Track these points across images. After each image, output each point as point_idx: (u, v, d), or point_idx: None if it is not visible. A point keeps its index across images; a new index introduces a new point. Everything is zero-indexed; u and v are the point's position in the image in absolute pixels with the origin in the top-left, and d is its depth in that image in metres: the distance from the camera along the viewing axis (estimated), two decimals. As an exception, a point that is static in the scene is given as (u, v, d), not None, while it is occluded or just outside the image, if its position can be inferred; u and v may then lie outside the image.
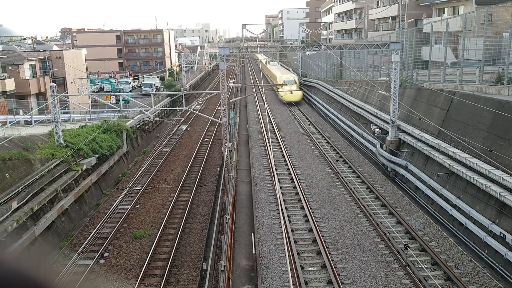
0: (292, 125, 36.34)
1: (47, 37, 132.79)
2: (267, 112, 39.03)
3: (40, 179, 22.99)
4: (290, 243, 15.42)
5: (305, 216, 18.05)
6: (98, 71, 71.77)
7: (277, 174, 23.06)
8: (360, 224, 17.20)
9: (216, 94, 29.30)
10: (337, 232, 16.57)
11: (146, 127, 43.98)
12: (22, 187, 21.29)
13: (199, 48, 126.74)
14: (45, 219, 21.52)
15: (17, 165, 22.02)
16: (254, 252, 14.32)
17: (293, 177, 22.80)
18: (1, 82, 39.65)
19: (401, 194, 21.18)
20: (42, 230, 20.95)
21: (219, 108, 41.64)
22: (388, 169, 25.69)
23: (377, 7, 59.97)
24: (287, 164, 25.26)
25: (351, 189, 20.96)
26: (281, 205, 15.95)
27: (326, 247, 15.13)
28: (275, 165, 24.14)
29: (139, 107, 37.06)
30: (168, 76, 76.92)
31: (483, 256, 15.70)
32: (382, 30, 56.24)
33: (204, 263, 18.58)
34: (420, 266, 13.85)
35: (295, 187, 21.59)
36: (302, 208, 18.92)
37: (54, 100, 26.71)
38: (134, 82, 68.78)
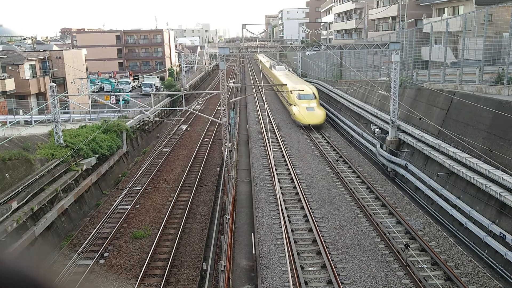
0: (291, 124, 36.35)
1: (47, 37, 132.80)
2: (267, 112, 39.04)
3: (40, 179, 22.99)
4: (290, 243, 15.42)
5: (305, 216, 18.05)
6: (98, 71, 71.78)
7: (277, 174, 23.06)
8: (360, 224, 17.20)
9: (216, 94, 29.30)
10: (337, 232, 16.57)
11: (146, 127, 43.98)
12: (22, 187, 21.29)
13: (199, 48, 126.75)
14: (45, 219, 21.52)
15: (17, 165, 22.02)
16: (254, 252, 14.32)
17: (293, 177, 22.80)
18: (1, 82, 39.65)
19: (401, 194, 21.18)
20: (42, 230, 20.95)
21: (219, 108, 41.64)
22: (388, 169, 25.69)
23: (377, 7, 59.97)
24: (287, 164, 25.26)
25: (351, 189, 20.96)
26: (281, 205, 15.95)
27: (326, 247, 15.13)
28: (275, 165, 24.14)
29: (139, 107, 37.06)
30: (168, 76, 76.93)
31: (483, 256, 15.71)
32: (382, 30, 56.24)
33: (204, 263, 18.58)
34: (420, 266, 13.85)
35: (295, 187, 21.59)
36: (302, 208, 18.92)
37: (54, 100, 26.71)
38: (134, 82, 68.78)
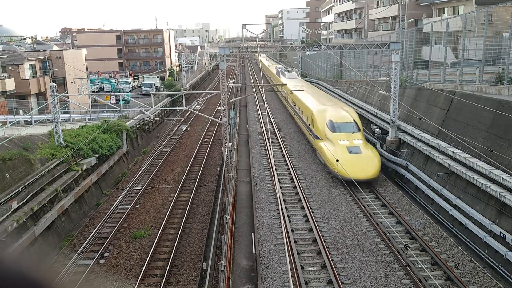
0: (292, 125, 36.33)
1: (47, 37, 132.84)
2: (267, 112, 39.03)
3: (40, 179, 22.99)
4: (290, 243, 15.42)
5: (305, 216, 18.05)
6: (98, 71, 71.77)
7: (277, 174, 23.05)
8: (360, 224, 17.19)
9: (216, 94, 29.29)
10: (337, 232, 16.57)
11: (146, 127, 43.98)
12: (22, 187, 21.29)
13: (199, 48, 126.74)
14: (45, 219, 21.52)
15: (17, 165, 22.02)
16: (254, 252, 14.31)
17: (293, 177, 22.79)
18: (1, 82, 39.65)
19: (401, 194, 21.17)
20: (42, 230, 20.95)
21: (219, 108, 41.65)
22: (388, 169, 25.69)
23: (377, 7, 59.97)
24: (287, 164, 25.26)
25: (351, 189, 20.95)
26: (281, 205, 15.94)
27: (326, 247, 15.12)
28: (275, 165, 24.14)
29: (139, 107, 37.06)
30: (168, 76, 76.93)
31: (483, 256, 15.70)
32: (382, 30, 56.23)
33: (204, 263, 18.58)
34: (420, 266, 13.84)
35: (295, 187, 21.58)
36: (302, 208, 18.91)
37: (54, 100, 26.71)
38: (134, 82, 68.78)
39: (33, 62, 45.69)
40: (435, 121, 23.20)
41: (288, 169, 24.42)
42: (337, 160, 21.00)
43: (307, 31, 76.74)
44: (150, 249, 19.72)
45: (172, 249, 19.68)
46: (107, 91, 56.05)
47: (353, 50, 29.87)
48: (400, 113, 27.35)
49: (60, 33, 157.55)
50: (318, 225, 16.95)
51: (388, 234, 16.14)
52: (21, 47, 64.22)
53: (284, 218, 17.12)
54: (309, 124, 27.63)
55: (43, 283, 1.10)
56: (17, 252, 18.27)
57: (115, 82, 62.19)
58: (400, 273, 13.72)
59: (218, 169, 31.61)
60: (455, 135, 20.14)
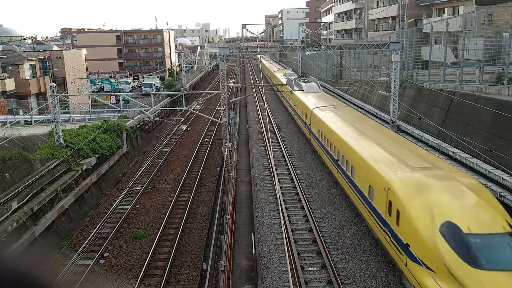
0: (292, 125, 36.32)
1: (47, 37, 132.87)
2: (267, 112, 39.02)
3: (40, 179, 22.99)
4: (290, 243, 15.42)
5: (305, 216, 18.04)
6: (98, 71, 71.77)
7: (277, 174, 23.05)
8: (360, 224, 17.18)
9: (216, 94, 29.29)
10: (337, 232, 16.56)
11: (146, 127, 43.98)
12: (22, 187, 21.29)
13: (199, 48, 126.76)
14: (45, 219, 21.53)
15: (17, 165, 22.02)
16: (254, 252, 14.31)
17: (293, 177, 22.79)
18: (1, 82, 39.65)
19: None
20: (42, 230, 20.96)
21: (219, 108, 41.64)
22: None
23: (377, 7, 59.97)
24: (287, 164, 25.25)
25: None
26: (281, 205, 15.93)
27: (326, 247, 15.12)
28: (275, 165, 24.13)
29: (139, 107, 37.05)
30: (168, 76, 76.93)
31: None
32: (382, 30, 56.23)
33: (204, 263, 18.59)
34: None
35: (295, 187, 21.58)
36: (302, 208, 18.91)
37: (54, 100, 26.71)
38: (134, 82, 68.78)
39: (33, 62, 45.69)
40: (435, 121, 23.20)
41: (288, 169, 24.42)
42: None
43: (307, 31, 76.80)
44: (150, 249, 19.72)
45: (172, 249, 19.68)
46: (107, 91, 56.06)
47: (353, 50, 29.88)
48: (400, 113, 27.35)
49: (60, 33, 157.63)
50: (318, 225, 16.95)
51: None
52: (21, 47, 64.23)
53: (284, 218, 17.11)
54: (383, 211, 13.09)
55: (43, 283, 1.10)
56: (17, 252, 18.26)
57: (115, 82, 62.18)
58: (400, 273, 13.70)
59: (218, 169, 31.61)
60: (455, 135, 20.13)
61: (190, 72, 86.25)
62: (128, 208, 24.80)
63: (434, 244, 10.13)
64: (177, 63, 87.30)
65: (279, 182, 22.11)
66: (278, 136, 31.99)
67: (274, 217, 18.00)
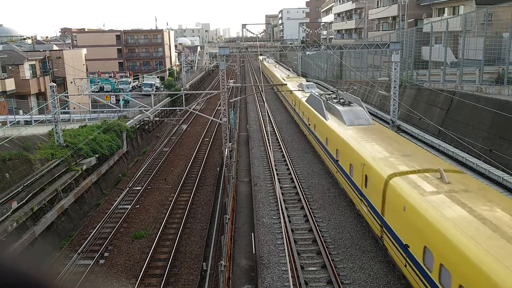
0: (292, 125, 36.32)
1: (47, 37, 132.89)
2: (267, 112, 39.02)
3: (40, 179, 22.99)
4: (290, 243, 15.41)
5: (305, 216, 18.04)
6: (98, 71, 71.78)
7: (277, 174, 23.05)
8: (360, 224, 17.18)
9: (216, 94, 29.29)
10: (337, 232, 16.56)
11: (146, 127, 43.98)
12: (22, 187, 21.29)
13: (199, 48, 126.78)
14: (45, 219, 21.53)
15: (17, 165, 22.02)
16: (254, 252, 14.31)
17: (293, 177, 22.79)
18: (1, 82, 39.66)
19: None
20: (42, 230, 20.96)
21: (219, 108, 41.64)
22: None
23: (377, 7, 59.98)
24: (287, 164, 25.25)
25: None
26: (281, 205, 15.92)
27: (326, 247, 15.12)
28: (275, 165, 24.13)
29: (139, 107, 37.06)
30: (168, 76, 76.94)
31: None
32: (382, 30, 56.24)
33: (204, 263, 18.59)
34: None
35: (295, 187, 21.58)
36: (302, 208, 18.91)
37: (54, 100, 26.71)
38: (134, 82, 68.79)
39: (33, 62, 45.69)
40: (435, 121, 23.20)
41: (288, 169, 24.42)
42: None
43: (307, 31, 76.82)
44: (150, 249, 19.72)
45: (172, 249, 19.69)
46: (107, 91, 56.07)
47: (353, 50, 29.89)
48: (400, 113, 27.35)
49: (60, 33, 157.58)
50: (318, 225, 16.94)
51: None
52: (21, 47, 64.24)
53: (284, 218, 17.11)
54: None
55: (43, 283, 1.10)
56: (17, 252, 18.26)
57: (115, 82, 62.19)
58: (400, 273, 13.70)
59: (218, 169, 31.61)
60: (455, 135, 20.13)
61: (190, 72, 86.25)
62: (128, 208, 24.80)
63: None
64: (177, 63, 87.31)
65: (279, 182, 22.11)
66: (278, 136, 31.99)
67: (274, 217, 18.00)
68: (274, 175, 22.19)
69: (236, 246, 15.79)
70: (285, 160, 25.99)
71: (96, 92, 50.33)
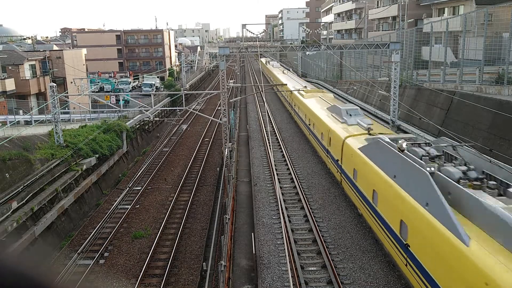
0: (292, 125, 36.32)
1: (47, 37, 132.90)
2: (267, 112, 39.02)
3: (40, 179, 22.99)
4: (290, 243, 15.41)
5: (305, 216, 18.04)
6: (98, 71, 71.79)
7: (277, 174, 23.05)
8: (360, 224, 17.18)
9: (216, 94, 29.30)
10: (337, 232, 16.56)
11: (146, 127, 43.98)
12: (22, 187, 21.29)
13: (199, 48, 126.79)
14: (45, 219, 21.53)
15: (17, 165, 22.02)
16: (254, 252, 14.31)
17: (293, 177, 22.79)
18: (1, 82, 39.66)
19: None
20: (42, 230, 20.96)
21: (219, 108, 41.65)
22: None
23: (377, 7, 59.99)
24: (287, 164, 25.25)
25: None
26: (281, 205, 15.93)
27: (326, 247, 15.12)
28: (275, 165, 24.13)
29: (139, 107, 37.07)
30: (168, 76, 76.94)
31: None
32: (382, 30, 56.25)
33: (204, 263, 18.59)
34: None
35: (295, 187, 21.58)
36: (302, 208, 18.91)
37: (54, 100, 26.71)
38: (134, 82, 68.80)
39: (33, 62, 45.69)
40: (435, 121, 23.20)
41: (288, 169, 24.41)
42: None
43: (307, 31, 76.84)
44: (150, 249, 19.72)
45: (172, 249, 19.69)
46: (107, 91, 56.07)
47: (353, 50, 29.88)
48: (400, 113, 27.35)
49: (60, 33, 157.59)
50: (318, 225, 16.94)
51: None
52: (21, 47, 64.24)
53: (284, 218, 17.11)
54: None
55: (43, 283, 1.10)
56: (17, 252, 18.26)
57: (115, 82, 62.20)
58: (400, 273, 13.70)
59: (218, 169, 31.61)
60: (455, 135, 20.14)
61: (190, 72, 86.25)
62: (128, 208, 24.80)
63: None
64: (177, 63, 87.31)
65: (279, 182, 22.11)
66: (278, 136, 31.99)
67: (274, 217, 18.00)
68: (274, 175, 22.19)
69: (236, 246, 15.79)
70: (285, 160, 25.99)
71: (96, 92, 50.34)
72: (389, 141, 14.37)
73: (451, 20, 28.11)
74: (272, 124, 36.41)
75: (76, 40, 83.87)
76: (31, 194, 21.72)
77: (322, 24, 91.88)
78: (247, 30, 36.63)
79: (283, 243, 13.63)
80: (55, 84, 28.15)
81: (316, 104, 27.26)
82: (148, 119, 39.73)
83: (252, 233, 15.89)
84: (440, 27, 29.69)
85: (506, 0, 21.55)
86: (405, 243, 11.53)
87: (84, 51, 57.86)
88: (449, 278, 9.27)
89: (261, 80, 60.28)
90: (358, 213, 16.99)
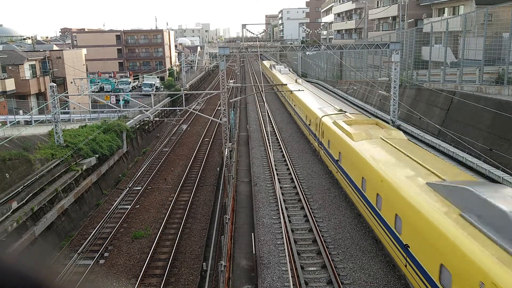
0: (292, 125, 36.32)
1: (47, 37, 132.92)
2: (267, 112, 39.00)
3: (40, 179, 22.99)
4: (290, 243, 15.41)
5: (305, 216, 18.04)
6: (98, 71, 71.78)
7: (277, 174, 23.05)
8: (360, 224, 17.18)
9: (216, 94, 29.29)
10: (337, 232, 16.56)
11: (146, 127, 43.98)
12: (22, 187, 21.28)
13: (199, 48, 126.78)
14: (45, 219, 21.52)
15: (17, 165, 22.02)
16: (254, 252, 14.31)
17: (293, 177, 22.79)
18: (1, 82, 39.65)
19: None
20: (42, 230, 20.95)
21: (219, 108, 41.64)
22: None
23: (377, 7, 59.99)
24: (287, 164, 25.25)
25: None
26: (281, 205, 15.93)
27: (326, 247, 15.11)
28: (275, 165, 24.13)
29: (139, 107, 37.07)
30: (168, 76, 76.94)
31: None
32: (382, 30, 56.24)
33: (204, 263, 18.59)
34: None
35: (295, 187, 21.58)
36: (302, 208, 18.91)
37: (54, 100, 26.71)
38: (134, 82, 68.80)
39: (33, 62, 45.69)
40: (435, 121, 23.20)
41: (288, 169, 24.41)
42: None
43: (307, 31, 76.82)
44: (150, 249, 19.72)
45: (172, 249, 19.68)
46: (107, 91, 56.08)
47: (353, 50, 29.89)
48: (400, 113, 27.35)
49: (60, 33, 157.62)
50: (318, 225, 16.94)
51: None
52: (21, 47, 64.22)
53: (284, 218, 17.11)
54: None
55: (43, 283, 1.10)
56: (17, 252, 18.26)
57: (115, 82, 62.20)
58: (400, 273, 13.69)
59: (218, 169, 31.60)
60: (455, 135, 20.13)
61: (190, 72, 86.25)
62: (128, 208, 24.80)
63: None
64: (177, 63, 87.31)
65: (279, 182, 22.11)
66: (278, 136, 31.98)
67: (274, 217, 18.00)
68: (274, 175, 22.19)
69: (236, 246, 15.79)
70: (285, 160, 25.99)
71: (96, 92, 50.33)
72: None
73: (451, 20, 28.11)
74: (272, 124, 36.40)
75: (76, 40, 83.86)
76: (31, 194, 21.72)
77: (322, 24, 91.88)
78: (247, 30, 36.64)
79: (283, 243, 13.64)
80: (55, 84, 28.15)
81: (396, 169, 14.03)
82: (148, 119, 39.72)
83: (252, 233, 15.89)
84: (440, 27, 29.69)
85: (506, 0, 21.54)
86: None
87: (84, 51, 57.86)
88: None
89: (261, 80, 60.10)
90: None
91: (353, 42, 53.05)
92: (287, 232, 16.13)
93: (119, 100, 40.58)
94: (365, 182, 15.27)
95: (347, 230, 16.68)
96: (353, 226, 17.04)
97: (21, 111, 39.64)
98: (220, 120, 27.01)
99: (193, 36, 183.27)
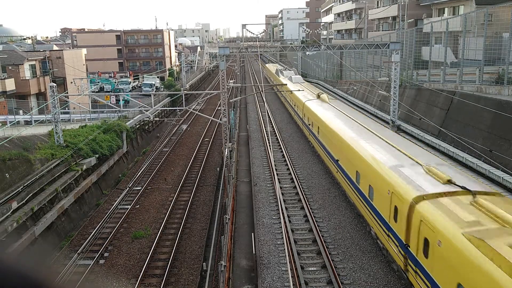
0: (292, 125, 36.32)
1: (47, 37, 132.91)
2: (267, 112, 39.00)
3: (40, 179, 22.99)
4: (290, 243, 15.41)
5: (305, 216, 18.04)
6: (98, 71, 71.77)
7: (277, 174, 23.05)
8: (360, 224, 17.18)
9: (216, 94, 29.29)
10: (337, 232, 16.56)
11: (146, 127, 43.97)
12: (22, 187, 21.28)
13: (199, 48, 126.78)
14: (45, 219, 21.53)
15: (17, 165, 22.02)
16: (254, 252, 14.31)
17: (293, 177, 22.79)
18: (1, 82, 39.65)
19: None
20: (42, 230, 20.95)
21: (219, 108, 41.63)
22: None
23: (377, 7, 59.99)
24: (287, 164, 25.25)
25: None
26: (281, 205, 15.93)
27: (326, 247, 15.12)
28: (275, 165, 24.13)
29: (139, 107, 37.06)
30: (168, 76, 76.93)
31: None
32: (382, 30, 56.24)
33: (204, 263, 18.59)
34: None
35: (295, 187, 21.58)
36: (302, 208, 18.91)
37: (54, 100, 26.71)
38: (134, 82, 68.80)
39: (33, 62, 45.69)
40: (435, 121, 23.21)
41: (288, 169, 24.42)
42: None
43: (307, 31, 76.82)
44: (150, 249, 19.72)
45: (172, 249, 19.68)
46: (107, 91, 56.07)
47: (353, 50, 29.88)
48: (400, 113, 27.35)
49: (60, 33, 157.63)
50: (318, 225, 16.94)
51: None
52: (21, 47, 64.22)
53: (284, 218, 17.11)
54: None
55: (43, 283, 1.10)
56: (17, 252, 18.26)
57: (115, 82, 62.20)
58: (400, 273, 13.69)
59: (218, 169, 31.60)
60: (455, 135, 20.13)
61: (190, 72, 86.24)
62: (128, 208, 24.80)
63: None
64: (177, 63, 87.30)
65: (279, 182, 22.11)
66: (278, 136, 31.99)
67: (274, 217, 18.00)
68: (274, 175, 22.19)
69: (236, 246, 15.79)
70: (285, 160, 26.00)
71: (96, 92, 50.33)
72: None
73: (451, 20, 28.10)
74: (272, 124, 36.40)
75: (76, 40, 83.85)
76: (31, 194, 21.72)
77: (322, 24, 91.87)
78: (247, 30, 36.62)
79: (283, 243, 13.64)
80: (55, 84, 28.15)
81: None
82: (148, 119, 39.71)
83: (252, 233, 15.89)
84: (440, 27, 29.68)
85: (506, 0, 21.54)
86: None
87: (84, 51, 57.84)
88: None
89: (261, 80, 60.16)
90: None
91: (353, 42, 53.04)
92: (287, 232, 16.14)
93: (119, 100, 40.58)
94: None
95: (347, 230, 16.68)
96: (353, 226, 17.04)
97: (21, 111, 39.63)
98: (220, 120, 27.01)
99: (193, 36, 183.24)
